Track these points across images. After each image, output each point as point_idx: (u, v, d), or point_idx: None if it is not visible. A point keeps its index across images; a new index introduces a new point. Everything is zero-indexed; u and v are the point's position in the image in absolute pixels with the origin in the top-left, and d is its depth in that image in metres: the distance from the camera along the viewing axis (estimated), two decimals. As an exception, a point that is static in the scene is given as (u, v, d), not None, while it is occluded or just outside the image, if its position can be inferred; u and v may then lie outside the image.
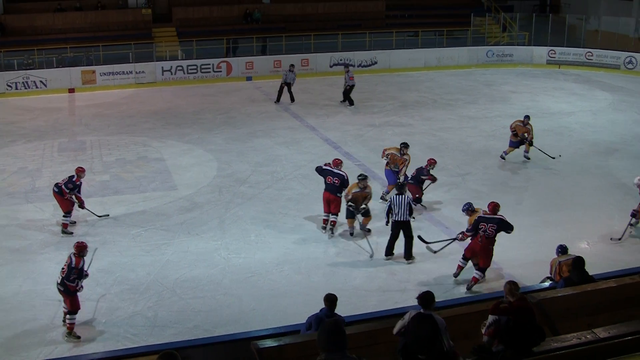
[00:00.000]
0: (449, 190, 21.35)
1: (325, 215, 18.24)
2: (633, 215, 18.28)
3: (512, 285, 8.86)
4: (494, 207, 15.31)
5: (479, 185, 21.87)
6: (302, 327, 10.49)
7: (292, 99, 32.26)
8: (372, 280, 15.77)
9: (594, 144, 26.21)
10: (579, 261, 12.03)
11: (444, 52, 40.81)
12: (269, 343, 9.02)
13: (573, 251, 13.91)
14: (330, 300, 10.42)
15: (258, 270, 16.08)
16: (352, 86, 31.60)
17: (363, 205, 17.67)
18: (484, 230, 14.96)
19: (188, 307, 14.46)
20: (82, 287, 13.44)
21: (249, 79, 36.70)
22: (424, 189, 20.05)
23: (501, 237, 15.58)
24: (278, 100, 32.26)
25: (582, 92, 34.94)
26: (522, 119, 24.49)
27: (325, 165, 18.54)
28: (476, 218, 15.38)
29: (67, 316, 13.32)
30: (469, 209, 16.56)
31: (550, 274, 13.55)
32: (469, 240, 15.60)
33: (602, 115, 30.67)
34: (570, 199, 20.98)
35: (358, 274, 16.07)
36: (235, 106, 31.41)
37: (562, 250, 13.76)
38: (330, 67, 38.07)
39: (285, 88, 32.15)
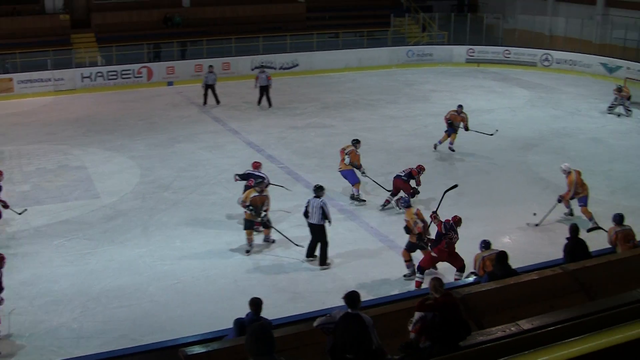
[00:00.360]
0: (373, 189, 21.47)
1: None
2: (559, 200, 19.00)
3: (436, 281, 8.94)
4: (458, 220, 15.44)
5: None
6: (230, 332, 10.43)
7: (217, 101, 32.24)
8: (298, 283, 15.81)
9: (513, 140, 26.68)
10: (501, 255, 12.23)
11: (365, 53, 41.08)
12: (197, 349, 8.94)
13: (496, 246, 14.14)
14: (255, 304, 10.38)
15: (184, 277, 15.98)
16: (266, 87, 31.77)
17: (264, 213, 17.37)
18: (450, 238, 15.08)
19: (114, 317, 14.27)
20: (2, 299, 13.16)
21: (170, 84, 36.36)
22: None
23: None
24: (205, 102, 32.15)
25: (500, 90, 35.55)
26: (455, 108, 25.05)
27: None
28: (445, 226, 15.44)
29: (-14, 331, 13.02)
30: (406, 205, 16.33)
31: (474, 268, 13.76)
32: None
33: (521, 111, 31.26)
34: (491, 195, 21.35)
35: (284, 276, 16.10)
36: (156, 112, 31.10)
37: (485, 245, 13.98)
38: (252, 70, 37.88)
39: (210, 90, 32.09)
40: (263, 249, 17.46)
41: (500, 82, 37.43)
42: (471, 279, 13.44)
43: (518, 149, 25.72)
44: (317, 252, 16.64)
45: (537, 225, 18.68)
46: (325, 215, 16.34)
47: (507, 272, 11.73)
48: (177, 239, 17.99)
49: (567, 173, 19.14)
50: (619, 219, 14.62)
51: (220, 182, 22.06)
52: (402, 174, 20.19)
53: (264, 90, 32.04)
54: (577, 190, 18.90)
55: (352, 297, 8.69)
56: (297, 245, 17.11)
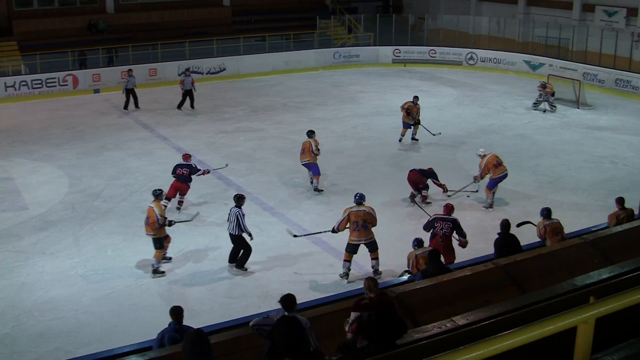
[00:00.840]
0: (304, 192, 21.58)
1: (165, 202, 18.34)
2: (475, 179, 20.62)
3: (371, 281, 9.00)
4: (450, 208, 15.74)
5: (333, 185, 22.19)
6: (154, 343, 10.30)
7: (137, 106, 32.23)
8: (234, 288, 15.78)
9: (442, 139, 26.99)
10: (434, 253, 12.41)
11: (292, 56, 41.14)
12: (134, 359, 8.88)
13: (428, 244, 14.31)
14: (176, 312, 10.32)
15: (117, 286, 15.82)
16: (190, 91, 32.16)
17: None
18: (441, 229, 15.21)
19: (48, 330, 14.06)
20: None
21: (96, 91, 35.86)
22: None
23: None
24: (126, 107, 32.07)
25: (427, 89, 35.92)
26: (411, 99, 26.18)
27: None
28: (431, 217, 15.66)
29: None
30: None
31: (408, 267, 13.89)
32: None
33: (448, 110, 31.68)
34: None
35: (220, 282, 16.05)
36: (84, 120, 30.67)
37: (418, 243, 14.12)
38: (179, 75, 37.62)
39: (130, 95, 32.11)
40: (195, 254, 17.37)
41: (427, 82, 37.87)
42: (405, 277, 13.55)
43: (447, 147, 26.06)
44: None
45: (449, 196, 20.76)
46: (240, 227, 16.26)
47: (440, 270, 11.88)
48: (109, 248, 17.80)
49: (482, 156, 20.52)
50: (546, 213, 14.94)
51: (151, 189, 21.76)
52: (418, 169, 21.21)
53: (188, 94, 32.24)
54: (489, 173, 20.36)
55: (288, 300, 8.71)
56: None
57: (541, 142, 26.70)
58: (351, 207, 15.70)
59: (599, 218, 17.11)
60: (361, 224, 15.65)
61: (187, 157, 20.67)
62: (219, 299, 15.18)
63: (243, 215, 16.33)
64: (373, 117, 30.48)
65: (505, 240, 13.76)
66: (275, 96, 34.49)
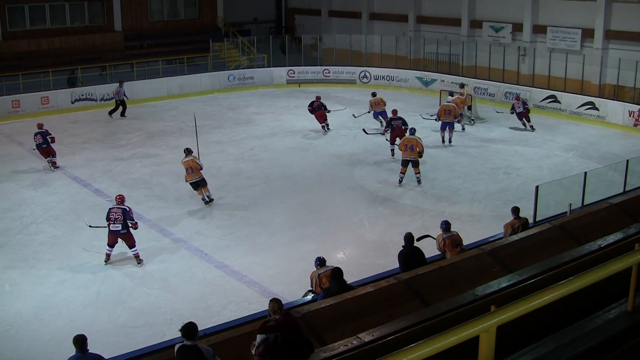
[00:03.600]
0: (203, 216, 21.50)
1: (109, 250, 18.23)
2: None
3: (275, 302, 9.01)
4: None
5: (232, 208, 22.13)
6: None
7: (123, 114, 35.19)
8: (138, 316, 15.55)
9: (338, 157, 27.26)
10: (336, 271, 12.46)
11: (186, 80, 40.79)
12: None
13: (331, 262, 14.34)
14: (79, 341, 10.17)
15: (16, 322, 15.38)
16: (123, 100, 35.17)
17: None
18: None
19: (-59, 371, 13.61)
20: None
21: (-15, 122, 34.94)
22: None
23: (259, 254, 15.86)
24: (111, 113, 35.17)
25: (323, 109, 36.12)
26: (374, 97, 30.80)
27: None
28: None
29: None
30: None
31: (312, 286, 13.92)
32: None
33: (343, 129, 31.91)
34: (322, 212, 21.73)
35: (122, 311, 15.79)
36: (-27, 152, 29.85)
37: (321, 262, 14.12)
38: (72, 103, 37.04)
39: (121, 105, 34.97)
40: (95, 284, 17.07)
41: (322, 101, 38.04)
42: (309, 297, 13.59)
43: (344, 165, 26.29)
44: None
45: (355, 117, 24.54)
46: None
47: (343, 287, 11.96)
48: (6, 282, 17.29)
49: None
50: (445, 226, 15.22)
51: (48, 220, 21.38)
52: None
53: (121, 103, 35.13)
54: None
55: (188, 329, 8.66)
56: None
57: (436, 156, 27.17)
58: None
59: (495, 228, 17.54)
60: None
61: (120, 198, 18.62)
62: (122, 329, 14.93)
63: None
64: (270, 138, 30.53)
65: (409, 253, 13.94)
66: (171, 121, 34.17)
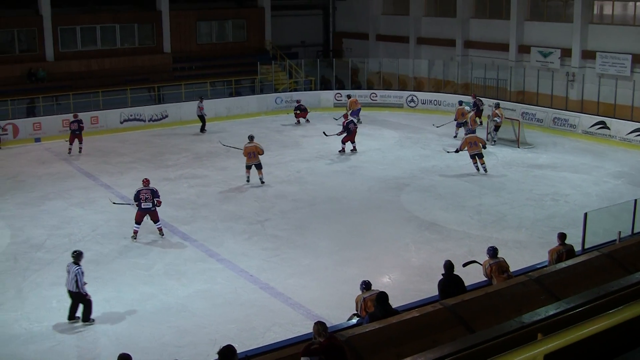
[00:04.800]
0: (249, 237, 21.54)
1: (136, 227, 21.41)
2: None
3: (319, 325, 9.01)
4: None
5: (277, 230, 22.17)
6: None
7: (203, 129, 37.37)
8: (182, 336, 15.60)
9: (385, 181, 27.22)
10: (382, 296, 12.41)
11: (233, 102, 41.18)
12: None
13: (376, 286, 14.29)
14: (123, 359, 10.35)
15: (63, 338, 15.55)
16: (202, 116, 37.19)
17: None
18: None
19: (-10, 385, 13.76)
20: None
21: (37, 140, 35.45)
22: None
23: (304, 277, 15.84)
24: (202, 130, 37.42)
25: (369, 132, 36.22)
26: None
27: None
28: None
29: None
30: None
31: (357, 310, 13.87)
32: None
33: (390, 152, 31.95)
34: (368, 236, 21.70)
35: (167, 330, 15.86)
36: (24, 169, 30.23)
37: (366, 286, 14.07)
38: (121, 123, 37.52)
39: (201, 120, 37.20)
40: (140, 302, 17.18)
41: (369, 125, 38.16)
42: (354, 320, 13.54)
43: (390, 189, 26.24)
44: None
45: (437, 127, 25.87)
46: (77, 284, 16.05)
47: (388, 312, 11.91)
48: (53, 299, 17.46)
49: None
50: (492, 252, 15.10)
51: (95, 238, 21.61)
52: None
53: (202, 118, 37.26)
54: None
55: (225, 353, 8.64)
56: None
57: (483, 182, 27.04)
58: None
59: (542, 255, 17.33)
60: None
61: (146, 182, 21.86)
62: (167, 348, 15.00)
63: (82, 273, 16.13)
64: (316, 161, 30.61)
65: (449, 281, 13.86)
66: (218, 143, 34.42)
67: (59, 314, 16.64)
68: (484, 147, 28.51)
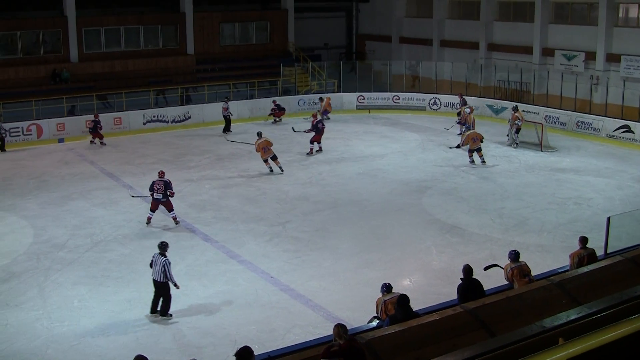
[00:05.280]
0: (270, 239, 21.53)
1: (151, 214, 22.89)
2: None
3: (340, 327, 8.99)
4: None
5: (299, 232, 22.16)
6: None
7: (229, 129, 37.59)
8: (202, 336, 15.64)
9: (407, 184, 27.16)
10: (403, 299, 12.36)
11: (256, 103, 41.19)
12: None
13: (397, 289, 14.24)
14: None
15: (83, 337, 15.61)
16: (228, 116, 37.58)
17: None
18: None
19: (12, 382, 13.83)
20: None
21: (60, 140, 35.63)
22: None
23: (325, 279, 15.84)
24: (225, 130, 37.62)
25: (392, 135, 36.18)
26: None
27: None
28: None
29: None
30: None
31: (377, 313, 13.84)
32: None
33: (412, 155, 31.87)
34: (389, 238, 21.64)
35: (188, 331, 15.91)
36: (47, 169, 30.40)
37: (387, 288, 14.03)
38: (144, 124, 37.66)
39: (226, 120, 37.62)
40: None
41: (391, 127, 38.12)
42: (374, 323, 13.52)
43: (412, 192, 26.17)
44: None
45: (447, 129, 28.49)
46: (166, 275, 16.33)
47: (409, 315, 11.86)
48: (75, 298, 17.57)
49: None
50: (514, 255, 15.02)
51: (117, 239, 21.70)
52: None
53: (227, 119, 37.61)
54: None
55: (242, 354, 8.63)
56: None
57: (506, 185, 26.93)
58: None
59: (564, 259, 17.20)
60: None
61: (161, 173, 23.09)
62: (187, 349, 15.02)
63: (169, 263, 16.37)
64: (338, 163, 30.58)
65: (468, 286, 13.79)
66: (240, 144, 34.44)
67: (80, 313, 16.74)
68: (482, 141, 30.12)
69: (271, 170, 28.71)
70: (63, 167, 30.86)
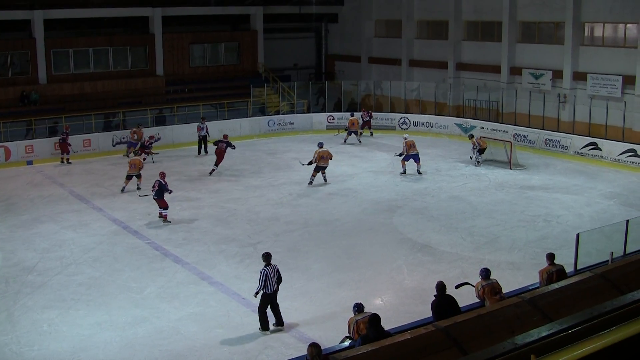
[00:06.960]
0: (242, 260, 21.48)
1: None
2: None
3: (314, 347, 9.00)
4: None
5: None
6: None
7: (206, 151, 37.14)
8: (175, 359, 15.52)
9: (378, 203, 27.22)
10: (374, 318, 12.35)
11: (226, 124, 40.99)
12: None
13: (369, 308, 14.23)
14: None
15: (53, 361, 15.46)
16: (204, 136, 37.34)
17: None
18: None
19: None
20: None
21: (29, 163, 35.36)
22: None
23: (297, 299, 15.78)
24: (199, 152, 37.36)
25: (362, 154, 36.30)
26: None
27: None
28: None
29: None
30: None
31: (349, 333, 13.82)
32: None
33: (383, 174, 31.95)
34: (361, 258, 21.66)
35: (159, 354, 15.80)
36: (16, 192, 30.12)
37: (359, 308, 14.02)
38: (113, 145, 37.50)
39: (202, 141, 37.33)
40: (133, 326, 17.10)
41: (361, 147, 38.24)
42: (346, 343, 13.49)
43: (383, 211, 26.23)
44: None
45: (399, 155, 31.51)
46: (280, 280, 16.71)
47: (381, 334, 11.85)
48: (45, 323, 17.39)
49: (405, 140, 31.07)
50: (485, 273, 15.07)
51: (87, 261, 21.53)
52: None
53: (203, 139, 37.28)
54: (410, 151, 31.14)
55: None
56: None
57: (476, 203, 27.07)
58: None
59: (535, 276, 17.26)
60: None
61: (162, 174, 25.96)
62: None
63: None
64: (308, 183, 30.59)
65: (442, 302, 13.82)
66: (210, 165, 34.33)
67: (50, 337, 16.58)
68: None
69: (310, 183, 29.92)
70: (32, 189, 30.60)
